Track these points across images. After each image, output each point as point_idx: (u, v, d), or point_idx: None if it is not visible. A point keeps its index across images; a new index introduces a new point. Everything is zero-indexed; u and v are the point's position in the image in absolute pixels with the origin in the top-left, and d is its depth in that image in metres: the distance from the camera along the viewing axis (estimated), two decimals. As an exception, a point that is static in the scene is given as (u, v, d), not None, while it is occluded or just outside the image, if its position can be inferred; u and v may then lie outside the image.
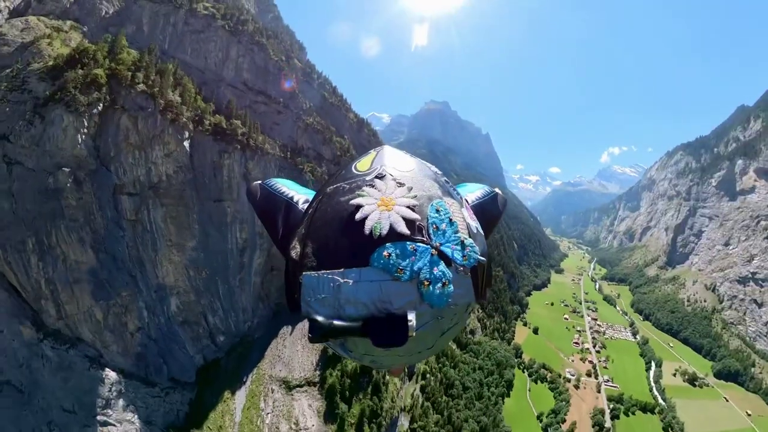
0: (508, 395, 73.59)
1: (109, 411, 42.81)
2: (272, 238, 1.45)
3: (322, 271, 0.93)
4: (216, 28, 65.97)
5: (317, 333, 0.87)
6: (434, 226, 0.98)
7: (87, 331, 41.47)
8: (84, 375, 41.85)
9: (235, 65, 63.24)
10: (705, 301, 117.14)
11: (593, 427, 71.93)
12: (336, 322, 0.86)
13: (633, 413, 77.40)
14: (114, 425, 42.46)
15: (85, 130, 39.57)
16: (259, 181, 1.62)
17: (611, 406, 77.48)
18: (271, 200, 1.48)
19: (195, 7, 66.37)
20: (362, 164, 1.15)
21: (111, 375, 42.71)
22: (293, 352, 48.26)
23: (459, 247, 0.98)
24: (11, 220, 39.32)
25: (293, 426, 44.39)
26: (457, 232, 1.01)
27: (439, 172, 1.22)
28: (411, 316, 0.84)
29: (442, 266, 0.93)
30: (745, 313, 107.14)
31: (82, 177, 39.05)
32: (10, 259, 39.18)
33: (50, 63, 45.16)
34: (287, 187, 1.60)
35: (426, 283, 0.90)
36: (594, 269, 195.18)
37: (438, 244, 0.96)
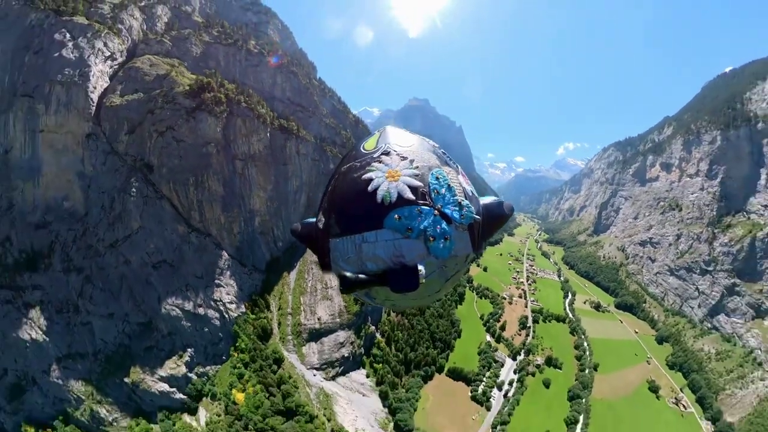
0: (460, 303, 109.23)
1: (222, 278, 77.39)
2: (315, 252, 1.79)
3: (346, 236, 1.21)
4: (265, 63, 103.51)
5: (347, 286, 1.14)
6: (435, 191, 1.22)
7: (214, 229, 76.70)
8: (212, 254, 76.70)
9: (281, 88, 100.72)
10: (616, 258, 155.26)
11: (519, 325, 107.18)
12: (360, 276, 1.14)
13: (549, 321, 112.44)
14: (223, 287, 76.94)
15: (219, 126, 76.04)
16: (297, 223, 2.12)
17: (534, 315, 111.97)
18: (310, 228, 1.85)
19: (248, 47, 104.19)
20: (369, 144, 1.39)
21: (224, 255, 77.52)
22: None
23: (457, 208, 1.23)
24: (178, 169, 75.11)
25: (324, 285, 79.90)
26: (455, 195, 1.25)
27: (437, 146, 1.47)
28: (421, 267, 1.11)
29: (444, 224, 1.18)
30: (642, 267, 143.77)
31: (219, 149, 75.28)
32: (177, 189, 74.60)
33: (186, 88, 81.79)
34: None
35: (431, 238, 1.15)
36: (539, 234, 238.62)
37: (439, 206, 1.20)
